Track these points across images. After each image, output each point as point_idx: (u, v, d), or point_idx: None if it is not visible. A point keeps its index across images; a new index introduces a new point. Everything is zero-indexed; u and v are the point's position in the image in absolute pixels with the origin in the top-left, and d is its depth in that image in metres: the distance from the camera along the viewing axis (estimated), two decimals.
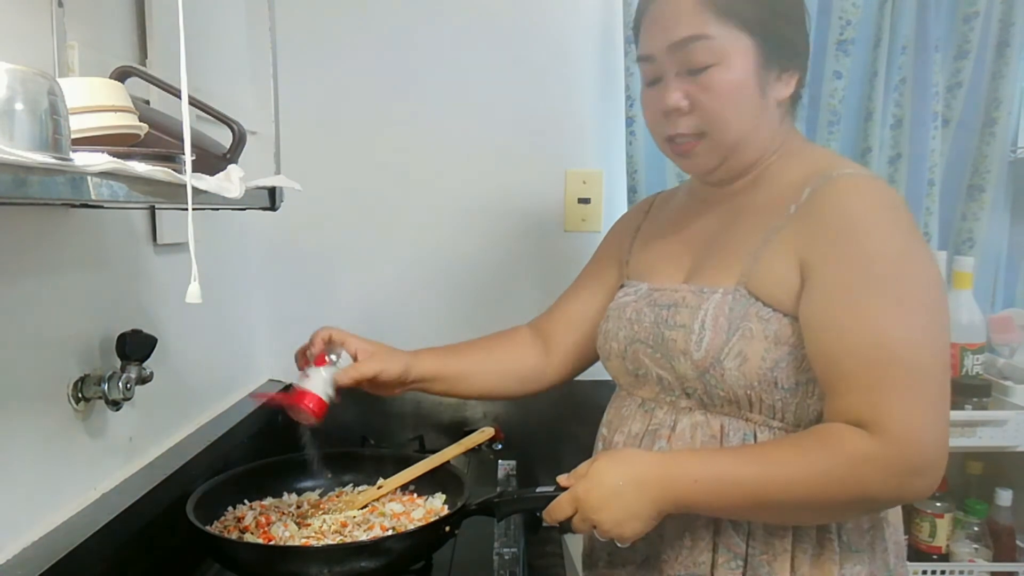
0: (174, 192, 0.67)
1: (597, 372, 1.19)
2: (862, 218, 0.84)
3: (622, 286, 1.08)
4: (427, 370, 1.08)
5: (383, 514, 1.07)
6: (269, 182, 0.96)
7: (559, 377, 1.17)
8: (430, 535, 0.97)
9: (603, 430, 1.04)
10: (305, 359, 1.04)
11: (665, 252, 1.03)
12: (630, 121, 1.56)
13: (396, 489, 1.14)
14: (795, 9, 0.94)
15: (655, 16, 0.94)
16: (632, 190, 1.58)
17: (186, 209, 0.65)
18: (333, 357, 1.02)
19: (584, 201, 1.65)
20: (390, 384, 1.06)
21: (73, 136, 0.59)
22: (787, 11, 0.92)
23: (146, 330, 1.00)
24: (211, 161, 0.88)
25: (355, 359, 1.04)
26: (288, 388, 1.03)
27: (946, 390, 0.81)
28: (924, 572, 1.50)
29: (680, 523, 0.91)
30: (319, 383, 0.99)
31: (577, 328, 1.14)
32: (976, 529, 1.53)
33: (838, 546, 0.88)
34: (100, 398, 0.95)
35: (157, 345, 1.00)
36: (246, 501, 1.11)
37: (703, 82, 0.90)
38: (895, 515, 0.95)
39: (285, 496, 1.15)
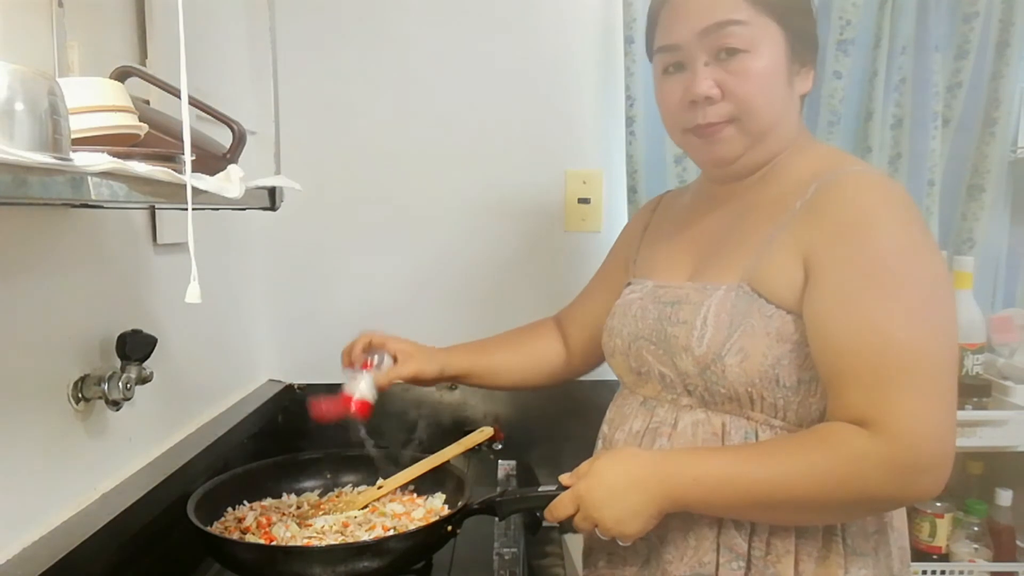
0: (174, 192, 0.67)
1: (597, 372, 1.19)
2: (867, 214, 0.83)
3: (628, 283, 1.08)
4: (461, 367, 1.16)
5: (384, 514, 1.07)
6: (269, 182, 0.96)
7: (582, 369, 1.23)
8: (433, 535, 0.97)
9: (604, 428, 1.05)
10: (349, 360, 1.11)
11: (671, 249, 1.04)
12: (630, 121, 1.56)
13: (396, 489, 1.14)
14: (809, 5, 0.96)
15: (683, 4, 0.93)
16: (632, 190, 1.58)
17: (186, 209, 0.65)
18: (375, 359, 1.10)
19: (584, 201, 1.65)
20: (427, 381, 1.14)
21: (73, 136, 0.59)
22: (807, 6, 0.94)
23: (146, 330, 1.00)
24: (211, 161, 0.87)
25: (395, 360, 1.11)
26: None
27: (952, 389, 0.80)
28: (924, 572, 1.50)
29: (684, 522, 0.90)
30: (362, 386, 1.07)
31: (587, 327, 1.18)
32: (976, 529, 1.52)
33: (843, 548, 0.88)
34: (100, 398, 0.95)
35: (157, 345, 1.00)
36: (246, 502, 1.11)
37: (734, 68, 0.90)
38: (900, 520, 0.94)
39: (285, 496, 1.15)
